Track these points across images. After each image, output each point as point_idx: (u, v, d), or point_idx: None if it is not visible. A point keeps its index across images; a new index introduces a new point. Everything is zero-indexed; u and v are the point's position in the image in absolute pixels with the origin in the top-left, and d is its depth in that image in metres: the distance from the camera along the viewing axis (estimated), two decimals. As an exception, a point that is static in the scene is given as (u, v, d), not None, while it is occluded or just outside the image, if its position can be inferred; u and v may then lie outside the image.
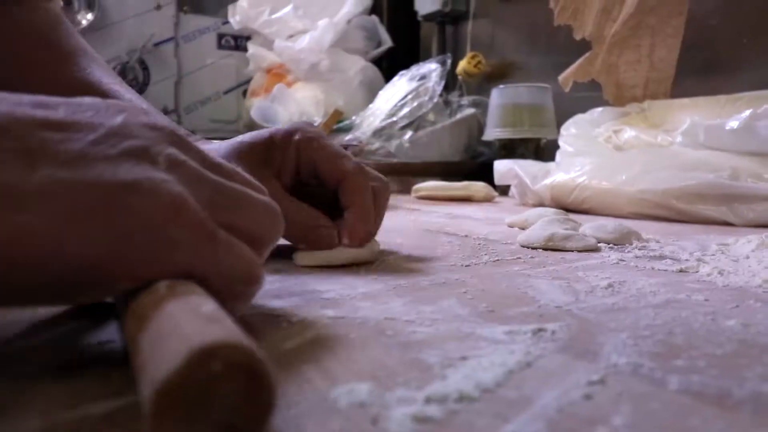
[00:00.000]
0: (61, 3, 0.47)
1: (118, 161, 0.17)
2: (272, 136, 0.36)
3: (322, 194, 0.37)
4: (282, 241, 0.26)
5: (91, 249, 0.16)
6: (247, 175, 0.23)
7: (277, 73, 1.50)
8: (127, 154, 0.17)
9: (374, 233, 0.37)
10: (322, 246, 0.35)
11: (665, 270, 0.34)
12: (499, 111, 1.09)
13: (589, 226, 0.46)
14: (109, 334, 0.21)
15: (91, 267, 0.16)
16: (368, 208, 0.36)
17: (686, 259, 0.36)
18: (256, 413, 0.12)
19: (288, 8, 1.47)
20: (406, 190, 1.01)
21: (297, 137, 0.36)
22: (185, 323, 0.13)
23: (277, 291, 0.28)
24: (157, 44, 1.51)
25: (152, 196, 0.17)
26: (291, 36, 1.47)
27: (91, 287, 0.17)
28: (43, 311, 0.23)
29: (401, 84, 1.30)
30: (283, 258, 0.36)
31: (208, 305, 0.15)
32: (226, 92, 1.64)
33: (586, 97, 0.97)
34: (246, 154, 0.35)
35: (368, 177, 0.37)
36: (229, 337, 0.12)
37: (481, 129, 1.21)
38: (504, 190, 0.92)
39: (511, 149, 1.09)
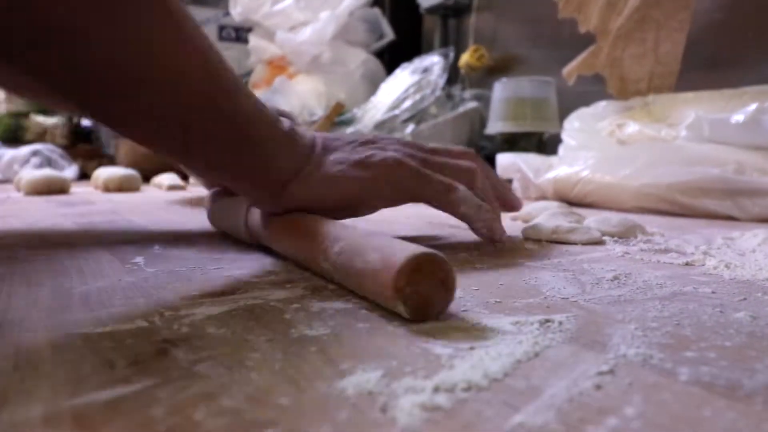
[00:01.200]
0: None
1: (374, 151, 0.36)
2: None
3: None
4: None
5: (366, 186, 0.34)
6: (448, 147, 0.41)
7: (279, 65, 1.49)
8: (375, 149, 0.36)
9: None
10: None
11: (671, 263, 0.33)
12: (502, 104, 1.09)
13: (593, 220, 0.46)
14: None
15: (366, 197, 0.35)
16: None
17: (692, 253, 0.36)
18: (444, 299, 0.22)
19: (290, 0, 1.46)
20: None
21: None
22: (402, 244, 0.23)
23: (283, 279, 0.28)
24: (158, 35, 1.50)
25: (385, 159, 0.35)
26: (292, 28, 1.46)
27: (364, 206, 0.36)
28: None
29: (403, 77, 1.29)
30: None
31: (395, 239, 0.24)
32: (227, 84, 1.63)
33: (590, 90, 0.97)
34: None
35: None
36: (435, 253, 0.22)
37: (483, 122, 1.21)
38: (506, 184, 0.91)
39: (513, 143, 1.08)
